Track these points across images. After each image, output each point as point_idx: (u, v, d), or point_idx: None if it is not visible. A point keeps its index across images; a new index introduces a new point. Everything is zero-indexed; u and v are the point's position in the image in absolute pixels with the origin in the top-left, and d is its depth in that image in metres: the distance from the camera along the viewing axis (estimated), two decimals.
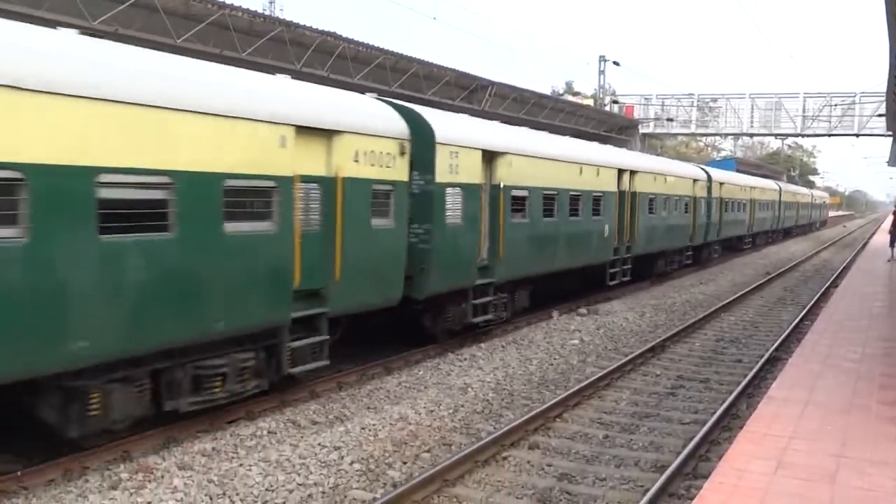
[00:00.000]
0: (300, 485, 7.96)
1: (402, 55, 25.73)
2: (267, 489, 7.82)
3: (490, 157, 14.78)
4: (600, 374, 12.46)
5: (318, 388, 11.43)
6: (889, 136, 38.97)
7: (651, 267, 25.86)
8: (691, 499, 6.77)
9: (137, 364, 8.58)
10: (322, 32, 22.09)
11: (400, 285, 12.48)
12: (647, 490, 7.89)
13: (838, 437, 7.62)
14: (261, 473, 8.15)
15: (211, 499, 7.53)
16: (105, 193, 7.86)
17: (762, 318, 19.56)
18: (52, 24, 11.19)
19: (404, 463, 8.77)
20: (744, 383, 11.96)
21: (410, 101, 14.20)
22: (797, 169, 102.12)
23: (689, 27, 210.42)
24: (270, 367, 10.29)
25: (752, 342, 16.36)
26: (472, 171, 14.04)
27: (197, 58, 10.56)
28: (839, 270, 30.42)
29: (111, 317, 8.03)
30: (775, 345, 15.05)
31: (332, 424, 9.90)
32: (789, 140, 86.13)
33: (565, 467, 8.81)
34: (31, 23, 8.47)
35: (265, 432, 9.49)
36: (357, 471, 8.40)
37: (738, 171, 49.35)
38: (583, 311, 19.13)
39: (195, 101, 8.81)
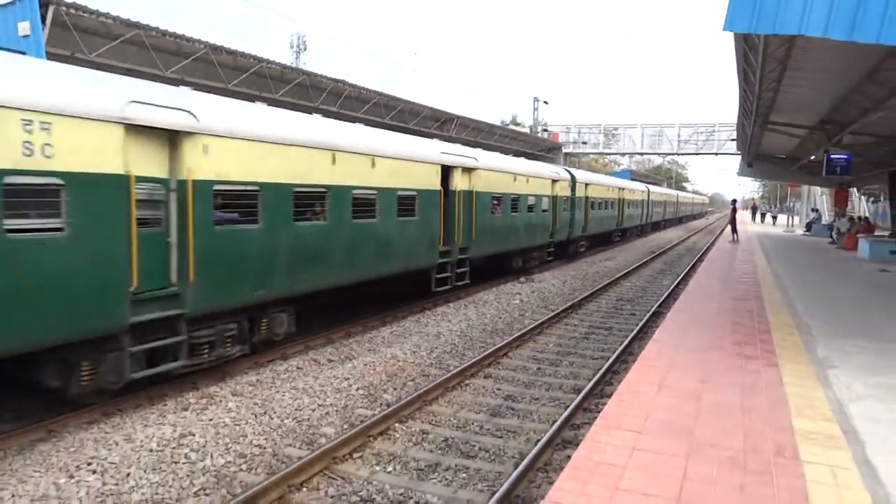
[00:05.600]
0: (320, 405, 7.99)
1: (392, 96, 25.41)
2: (296, 409, 7.83)
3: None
4: (535, 325, 12.56)
5: (333, 336, 11.41)
6: (738, 154, 39.53)
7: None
8: (599, 412, 6.86)
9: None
10: (334, 80, 21.70)
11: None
12: (568, 406, 8.01)
13: (702, 368, 7.75)
14: (292, 398, 8.15)
15: (255, 416, 7.51)
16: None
17: (649, 284, 19.76)
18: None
19: (395, 389, 8.81)
20: (636, 330, 12.15)
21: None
22: (674, 177, 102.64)
23: (598, 69, 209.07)
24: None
25: (642, 301, 16.55)
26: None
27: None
28: (703, 250, 30.78)
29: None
30: (658, 303, 15.26)
31: (343, 362, 9.91)
32: (668, 157, 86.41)
33: (510, 391, 8.91)
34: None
35: (294, 368, 9.49)
36: (361, 395, 8.43)
37: (632, 179, 49.57)
38: (522, 279, 19.17)
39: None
